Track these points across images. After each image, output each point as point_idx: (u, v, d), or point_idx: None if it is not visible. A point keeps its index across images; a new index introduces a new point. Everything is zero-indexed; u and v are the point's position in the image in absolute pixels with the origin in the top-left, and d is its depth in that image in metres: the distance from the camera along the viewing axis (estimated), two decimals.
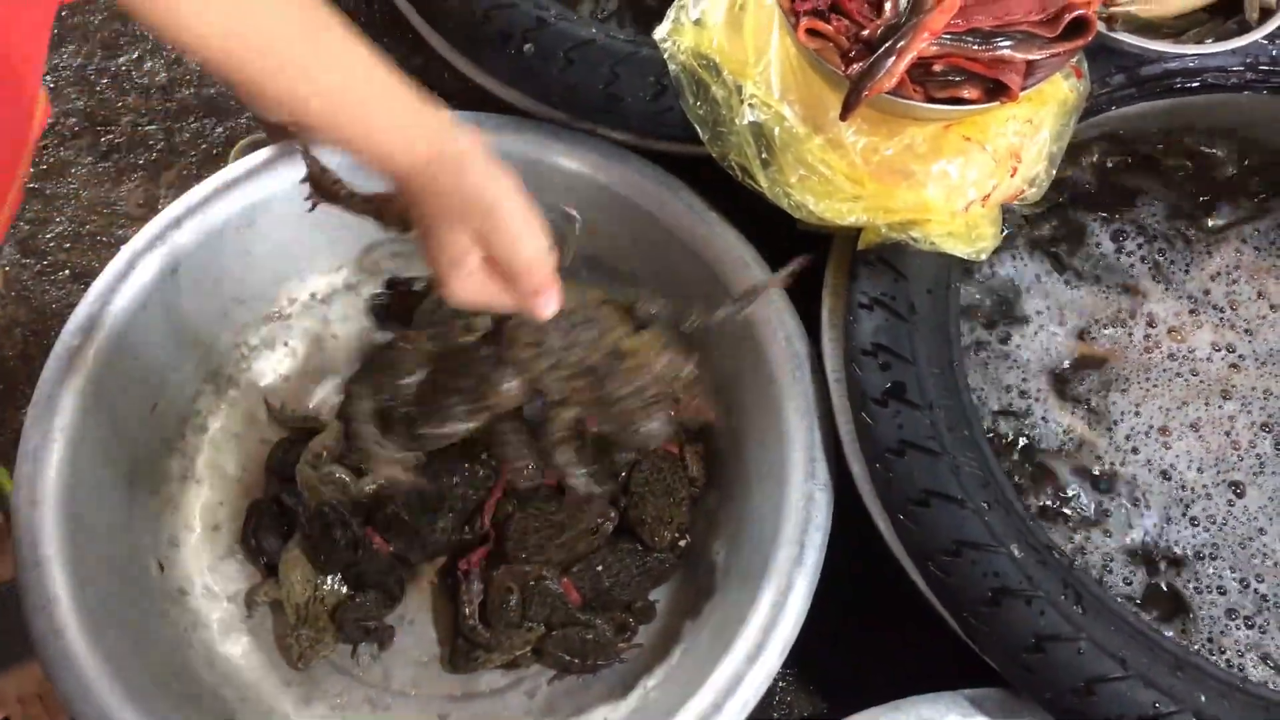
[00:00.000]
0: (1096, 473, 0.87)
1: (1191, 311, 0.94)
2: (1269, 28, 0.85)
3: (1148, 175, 0.98)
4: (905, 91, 0.74)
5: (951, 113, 0.75)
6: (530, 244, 0.58)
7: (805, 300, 0.84)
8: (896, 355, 0.76)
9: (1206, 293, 0.95)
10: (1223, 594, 0.84)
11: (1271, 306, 0.94)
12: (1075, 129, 0.82)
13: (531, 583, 0.86)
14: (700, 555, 0.89)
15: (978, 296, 0.92)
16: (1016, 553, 0.70)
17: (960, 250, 0.80)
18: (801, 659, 0.82)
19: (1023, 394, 0.90)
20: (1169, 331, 0.94)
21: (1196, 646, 0.81)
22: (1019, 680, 0.69)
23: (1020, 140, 0.78)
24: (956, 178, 0.77)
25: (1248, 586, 0.84)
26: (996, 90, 0.75)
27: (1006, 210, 0.84)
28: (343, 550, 0.84)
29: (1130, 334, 0.93)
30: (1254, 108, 0.91)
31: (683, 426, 0.91)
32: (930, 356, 0.76)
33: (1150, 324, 0.94)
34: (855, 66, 0.74)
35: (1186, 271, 0.96)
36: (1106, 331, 0.93)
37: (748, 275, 0.84)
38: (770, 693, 0.88)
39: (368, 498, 0.87)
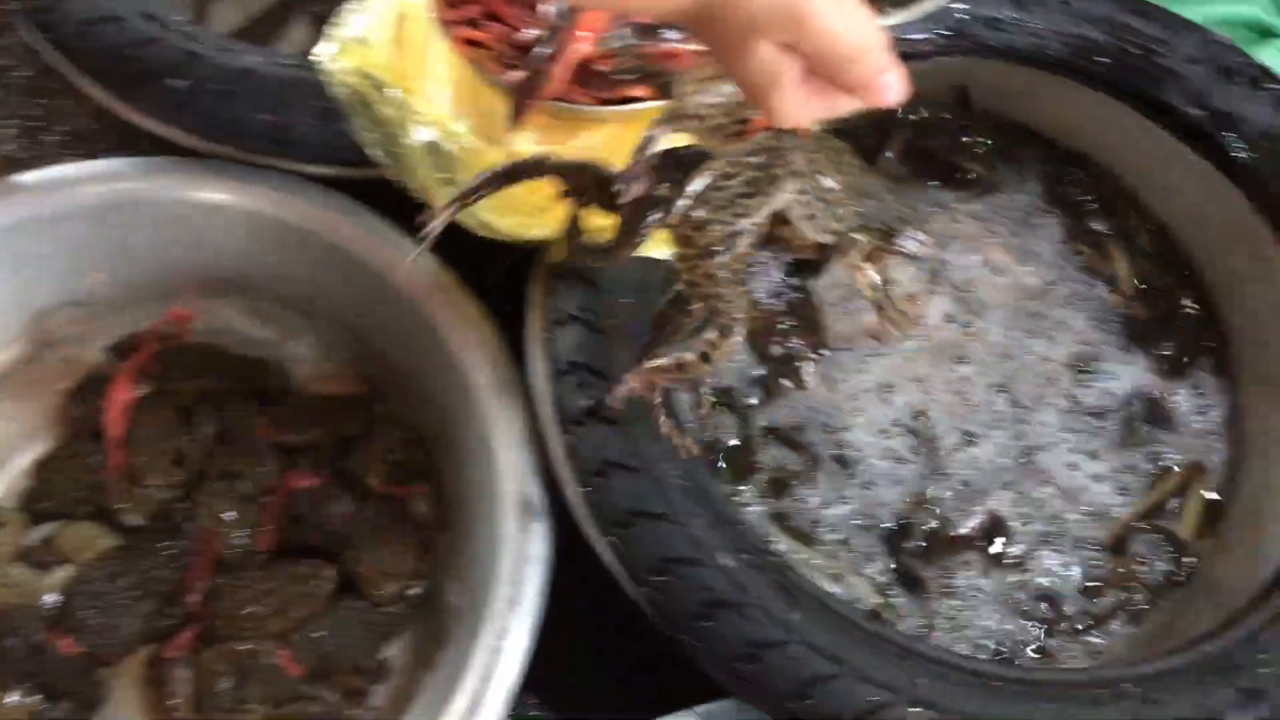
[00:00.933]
0: (824, 439, 0.87)
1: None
2: None
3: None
4: (573, 96, 0.71)
5: (623, 113, 0.72)
6: (852, 29, 0.50)
7: (515, 320, 0.81)
8: (594, 372, 0.72)
9: (944, 263, 0.95)
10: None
11: (995, 271, 0.95)
12: None
13: (246, 661, 0.80)
14: (436, 601, 0.84)
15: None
16: (728, 563, 0.68)
17: (660, 252, 0.77)
18: (546, 690, 0.79)
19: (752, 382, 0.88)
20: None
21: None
22: (739, 691, 0.67)
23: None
24: None
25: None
26: (667, 87, 0.73)
27: None
28: (20, 660, 0.76)
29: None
30: (941, 74, 0.92)
31: (402, 465, 0.86)
32: (629, 368, 0.73)
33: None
34: (515, 75, 0.70)
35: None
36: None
37: (447, 303, 0.81)
38: None
39: (60, 590, 0.80)
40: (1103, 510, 0.86)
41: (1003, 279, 0.95)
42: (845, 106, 0.54)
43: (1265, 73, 0.87)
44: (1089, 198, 0.96)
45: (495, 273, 0.82)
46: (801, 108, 0.53)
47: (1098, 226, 0.96)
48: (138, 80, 0.80)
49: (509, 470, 0.76)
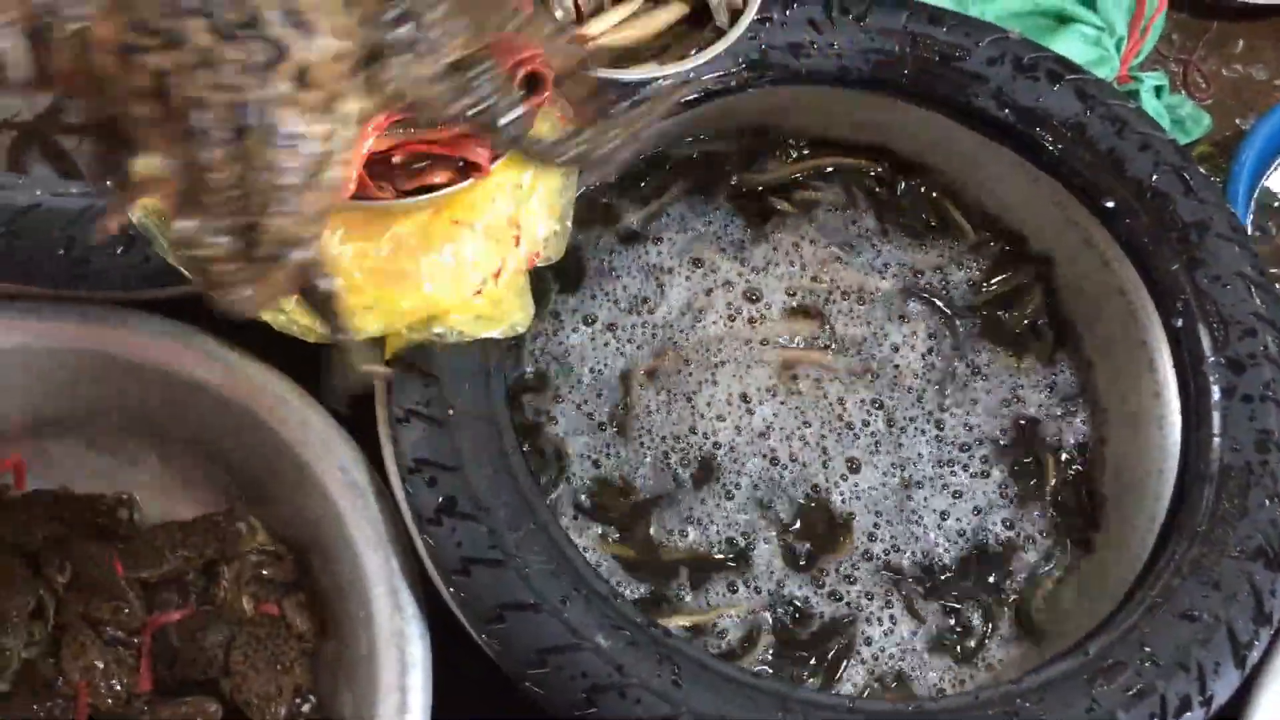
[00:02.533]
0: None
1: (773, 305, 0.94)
2: (742, 26, 0.85)
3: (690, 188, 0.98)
4: (370, 192, 0.69)
5: (422, 203, 0.70)
6: None
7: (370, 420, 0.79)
8: (441, 466, 0.71)
9: (793, 293, 0.95)
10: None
11: (844, 294, 0.95)
12: None
13: None
14: (331, 712, 0.82)
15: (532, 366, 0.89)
16: (603, 642, 0.67)
17: (494, 332, 0.76)
18: None
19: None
20: (749, 322, 0.93)
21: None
22: None
23: (516, 207, 0.75)
24: (454, 265, 0.73)
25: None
26: (468, 168, 0.72)
27: None
28: None
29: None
30: (757, 103, 0.92)
31: (273, 580, 0.83)
32: (478, 457, 0.72)
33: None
34: None
35: (760, 270, 0.95)
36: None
37: (287, 411, 0.78)
38: None
39: None
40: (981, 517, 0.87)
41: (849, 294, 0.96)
42: None
43: (1063, 63, 0.89)
44: (922, 203, 0.98)
45: None
46: None
47: (937, 234, 0.98)
48: None
49: (376, 575, 0.75)
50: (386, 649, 0.72)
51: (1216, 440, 0.77)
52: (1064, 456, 0.90)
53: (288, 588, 0.84)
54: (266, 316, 0.73)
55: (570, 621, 0.67)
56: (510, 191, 0.75)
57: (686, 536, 0.84)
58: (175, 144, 0.36)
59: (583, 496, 0.84)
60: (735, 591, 0.82)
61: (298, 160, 0.37)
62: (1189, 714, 0.67)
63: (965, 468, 0.88)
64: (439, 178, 0.70)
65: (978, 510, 0.87)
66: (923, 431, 0.89)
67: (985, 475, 0.88)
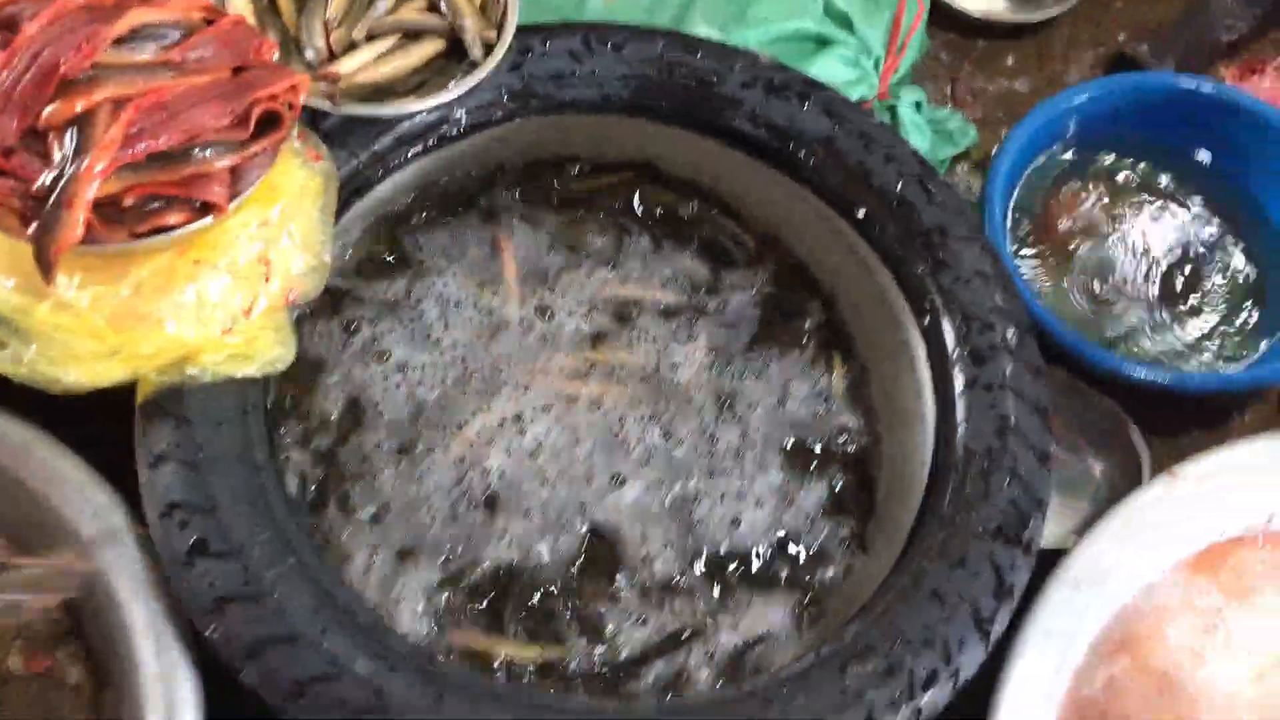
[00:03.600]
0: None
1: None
2: (496, 58, 0.88)
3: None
4: (101, 236, 0.69)
5: (158, 243, 0.70)
6: None
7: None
8: (194, 508, 0.70)
9: (573, 313, 0.97)
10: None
11: (626, 310, 0.98)
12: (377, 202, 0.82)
13: None
14: None
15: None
16: (361, 670, 0.66)
17: (252, 370, 0.76)
18: None
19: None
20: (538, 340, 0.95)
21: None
22: None
23: (262, 245, 0.75)
24: (197, 303, 0.72)
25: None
26: (205, 208, 0.72)
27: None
28: None
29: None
30: (527, 132, 0.95)
31: (41, 635, 0.81)
32: (234, 494, 0.71)
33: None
34: (33, 227, 0.67)
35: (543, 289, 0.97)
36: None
37: (32, 461, 0.77)
38: None
39: None
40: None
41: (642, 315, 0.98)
42: None
43: (810, 84, 0.94)
44: (701, 222, 1.01)
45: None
46: None
47: (717, 250, 1.01)
48: None
49: (138, 620, 0.74)
50: (152, 692, 0.72)
51: (961, 428, 0.81)
52: (841, 461, 0.93)
53: (59, 640, 0.82)
54: (5, 370, 0.72)
55: (329, 651, 0.67)
56: (257, 229, 0.75)
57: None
58: None
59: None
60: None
61: None
62: (935, 688, 0.70)
63: (742, 474, 0.91)
64: (174, 218, 0.70)
65: (759, 517, 0.90)
66: (699, 443, 0.91)
67: (765, 480, 0.91)
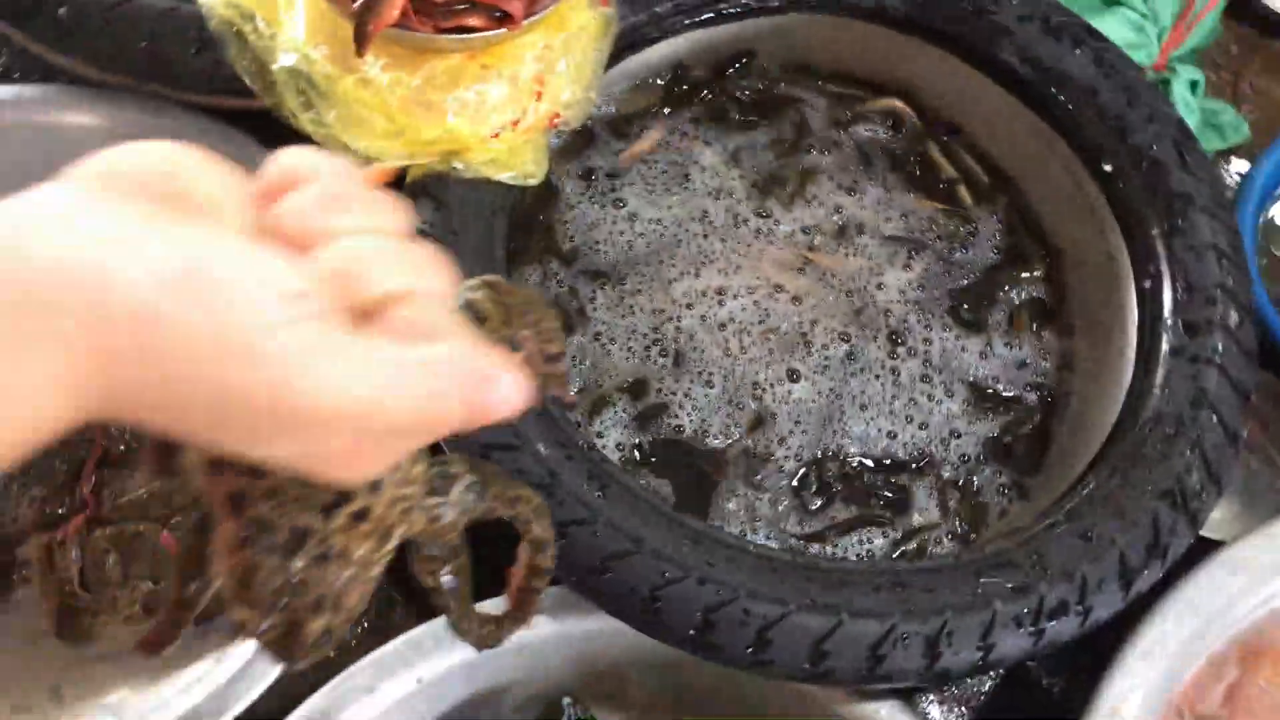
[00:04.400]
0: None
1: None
2: None
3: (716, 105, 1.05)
4: (412, 24, 0.77)
5: (460, 43, 0.78)
6: (383, 384, 0.32)
7: None
8: None
9: (799, 221, 1.01)
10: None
11: (848, 228, 1.01)
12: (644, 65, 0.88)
13: (130, 540, 0.86)
14: None
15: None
16: (542, 450, 0.74)
17: (505, 176, 0.84)
18: None
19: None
20: (755, 233, 1.00)
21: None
22: None
23: (540, 67, 0.82)
24: (477, 105, 0.80)
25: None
26: (503, 19, 0.79)
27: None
28: None
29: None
30: (797, 28, 0.98)
31: None
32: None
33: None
34: (358, 2, 0.76)
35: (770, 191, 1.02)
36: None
37: None
38: None
39: None
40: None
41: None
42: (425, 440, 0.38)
43: (1089, 31, 0.94)
44: (938, 155, 1.03)
45: None
46: (361, 475, 0.36)
47: (963, 183, 1.03)
48: (29, 9, 0.86)
49: None
50: None
51: (1156, 391, 0.81)
52: (1024, 410, 0.94)
53: None
54: (307, 128, 0.82)
55: (514, 425, 0.74)
56: (541, 51, 0.83)
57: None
58: (235, 550, 0.39)
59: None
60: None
61: (343, 576, 0.40)
62: (1064, 618, 0.72)
63: (916, 403, 0.93)
64: (475, 21, 0.78)
65: (928, 436, 0.92)
66: (882, 362, 0.94)
67: (938, 410, 0.93)
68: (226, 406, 0.29)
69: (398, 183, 0.83)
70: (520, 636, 0.76)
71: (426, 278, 0.36)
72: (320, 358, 0.30)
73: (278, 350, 0.29)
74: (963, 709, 0.91)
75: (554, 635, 0.78)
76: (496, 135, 0.82)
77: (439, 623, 0.77)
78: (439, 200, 0.81)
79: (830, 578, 0.73)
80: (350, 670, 0.74)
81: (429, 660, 0.76)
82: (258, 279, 0.30)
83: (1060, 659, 0.91)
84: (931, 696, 0.92)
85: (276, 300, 0.29)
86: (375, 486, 0.39)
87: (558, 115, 0.85)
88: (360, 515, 0.39)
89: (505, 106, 0.81)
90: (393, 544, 0.41)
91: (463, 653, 0.76)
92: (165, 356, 0.28)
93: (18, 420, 0.28)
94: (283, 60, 0.81)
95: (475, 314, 0.46)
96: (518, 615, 0.57)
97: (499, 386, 0.34)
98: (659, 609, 0.70)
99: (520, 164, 0.84)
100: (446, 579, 0.50)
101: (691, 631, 0.70)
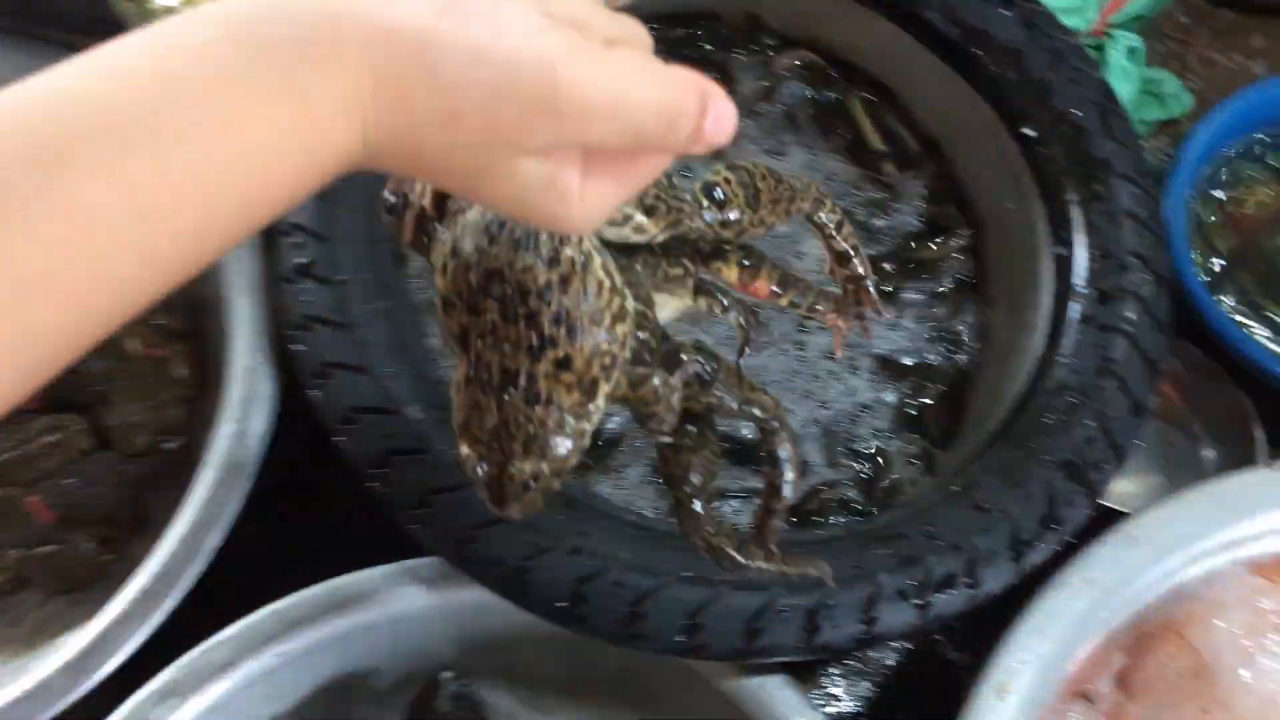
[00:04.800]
0: None
1: None
2: None
3: None
4: None
5: None
6: (634, 84, 0.36)
7: None
8: (311, 234, 0.75)
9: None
10: None
11: None
12: None
13: None
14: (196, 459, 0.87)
15: None
16: (417, 414, 0.71)
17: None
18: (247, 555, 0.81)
19: None
20: None
21: None
22: (414, 534, 0.70)
23: None
24: None
25: None
26: None
27: None
28: None
29: None
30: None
31: (163, 328, 0.88)
32: (353, 232, 0.76)
33: None
34: None
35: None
36: None
37: None
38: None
39: None
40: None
41: None
42: (658, 167, 0.41)
43: None
44: (860, 116, 1.00)
45: None
46: (601, 209, 0.39)
47: (886, 148, 1.00)
48: None
49: (243, 316, 0.80)
50: (235, 382, 0.78)
51: (1063, 360, 0.78)
52: (936, 381, 0.91)
53: (178, 336, 0.89)
54: None
55: (389, 389, 0.71)
56: None
57: None
58: (462, 386, 0.45)
59: None
60: None
61: (549, 422, 0.43)
62: (952, 591, 0.69)
63: (825, 374, 0.91)
64: None
65: (833, 413, 0.89)
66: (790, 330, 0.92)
67: (844, 384, 0.91)
68: (498, 101, 0.34)
69: None
70: (392, 608, 0.75)
71: (638, 33, 0.41)
72: (578, 55, 0.34)
73: (545, 47, 0.34)
74: (866, 683, 0.89)
75: (430, 606, 0.75)
76: None
77: (308, 593, 0.74)
78: None
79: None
80: (208, 644, 0.71)
81: (294, 634, 0.73)
82: (503, 8, 0.35)
83: (966, 633, 0.89)
84: (834, 670, 0.90)
85: (534, 17, 0.35)
86: (575, 332, 0.42)
87: None
88: (563, 363, 0.42)
89: None
90: (599, 401, 0.44)
91: (331, 626, 0.74)
92: (446, 62, 0.33)
93: (320, 136, 0.33)
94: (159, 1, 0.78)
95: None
96: (759, 538, 0.55)
97: (720, 102, 0.39)
98: (528, 580, 0.67)
99: None
100: (695, 478, 0.51)
101: (562, 603, 0.67)
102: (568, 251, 0.43)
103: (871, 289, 0.58)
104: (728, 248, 0.51)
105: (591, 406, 0.44)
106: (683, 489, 0.52)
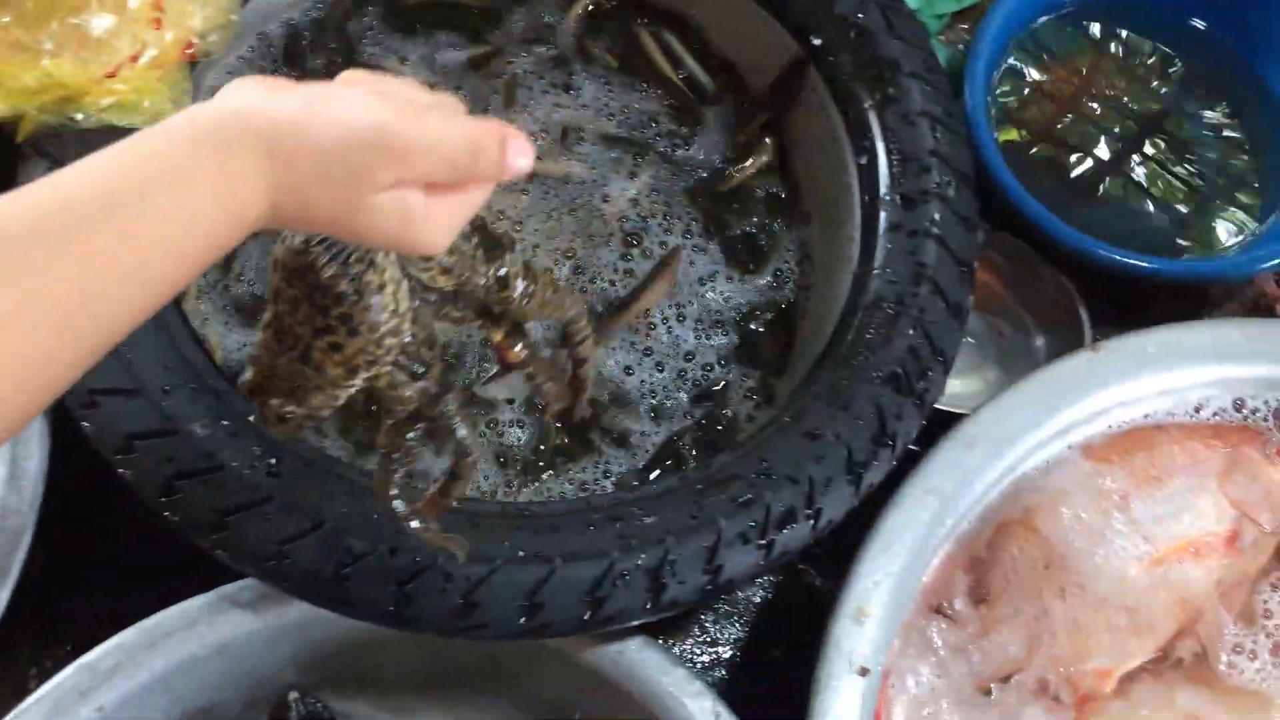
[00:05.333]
0: None
1: None
2: None
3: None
4: None
5: None
6: (445, 130, 0.47)
7: None
8: None
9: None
10: None
11: (566, 133, 0.94)
12: None
13: None
14: None
15: None
16: (200, 431, 0.65)
17: (136, 121, 0.73)
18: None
19: None
20: None
21: None
22: (219, 559, 0.65)
23: None
24: (79, 40, 0.69)
25: None
26: None
27: None
28: None
29: None
30: None
31: None
32: None
33: None
34: None
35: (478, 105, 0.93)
36: None
37: None
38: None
39: None
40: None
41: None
42: (482, 197, 0.50)
43: None
44: (649, 42, 0.97)
45: None
46: (444, 229, 0.49)
47: (681, 76, 0.96)
48: None
49: None
50: None
51: (876, 272, 0.77)
52: (764, 311, 0.89)
53: None
54: None
55: (167, 410, 0.65)
56: None
57: None
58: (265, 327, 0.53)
59: None
60: None
61: (311, 381, 0.52)
62: (794, 525, 0.68)
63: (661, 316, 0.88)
64: None
65: (659, 358, 0.87)
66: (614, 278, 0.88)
67: (688, 310, 0.88)
68: (351, 154, 0.45)
69: (5, 145, 0.72)
70: (215, 637, 0.70)
71: (452, 101, 0.50)
72: (404, 116, 0.46)
73: (379, 112, 0.45)
74: (735, 622, 0.88)
75: (257, 630, 0.70)
76: (113, 74, 0.71)
77: (119, 639, 0.68)
78: (54, 160, 0.70)
79: (540, 524, 0.66)
80: (11, 715, 0.65)
81: (112, 684, 0.67)
82: (346, 94, 0.46)
83: (830, 558, 0.88)
84: (704, 615, 0.88)
85: (371, 97, 0.46)
86: (354, 332, 0.51)
87: (191, 44, 0.74)
88: (336, 347, 0.51)
89: (115, 40, 0.70)
90: (357, 381, 0.53)
91: (150, 668, 0.68)
92: (314, 133, 0.45)
93: (240, 199, 0.44)
94: None
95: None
96: (429, 505, 0.60)
97: (517, 141, 0.50)
98: (348, 588, 0.63)
99: (154, 105, 0.73)
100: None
101: (390, 607, 0.63)
102: (368, 276, 0.51)
103: (584, 398, 0.66)
104: (502, 317, 0.60)
105: (347, 383, 0.53)
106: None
